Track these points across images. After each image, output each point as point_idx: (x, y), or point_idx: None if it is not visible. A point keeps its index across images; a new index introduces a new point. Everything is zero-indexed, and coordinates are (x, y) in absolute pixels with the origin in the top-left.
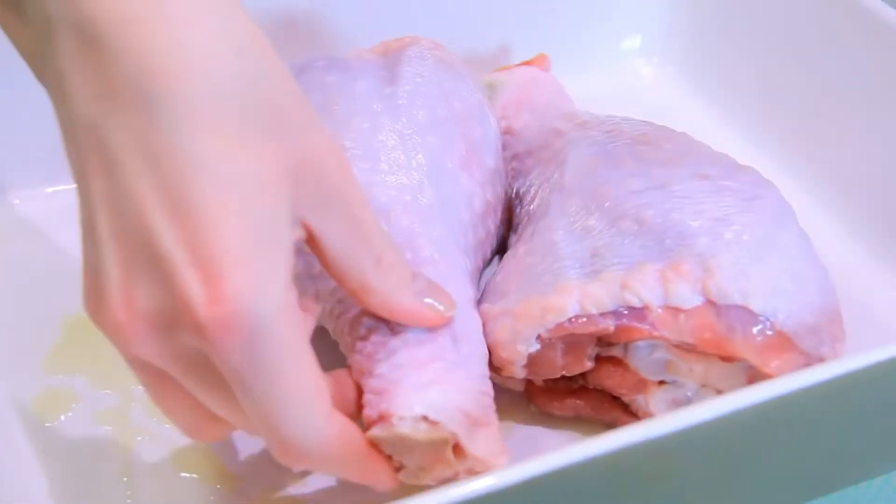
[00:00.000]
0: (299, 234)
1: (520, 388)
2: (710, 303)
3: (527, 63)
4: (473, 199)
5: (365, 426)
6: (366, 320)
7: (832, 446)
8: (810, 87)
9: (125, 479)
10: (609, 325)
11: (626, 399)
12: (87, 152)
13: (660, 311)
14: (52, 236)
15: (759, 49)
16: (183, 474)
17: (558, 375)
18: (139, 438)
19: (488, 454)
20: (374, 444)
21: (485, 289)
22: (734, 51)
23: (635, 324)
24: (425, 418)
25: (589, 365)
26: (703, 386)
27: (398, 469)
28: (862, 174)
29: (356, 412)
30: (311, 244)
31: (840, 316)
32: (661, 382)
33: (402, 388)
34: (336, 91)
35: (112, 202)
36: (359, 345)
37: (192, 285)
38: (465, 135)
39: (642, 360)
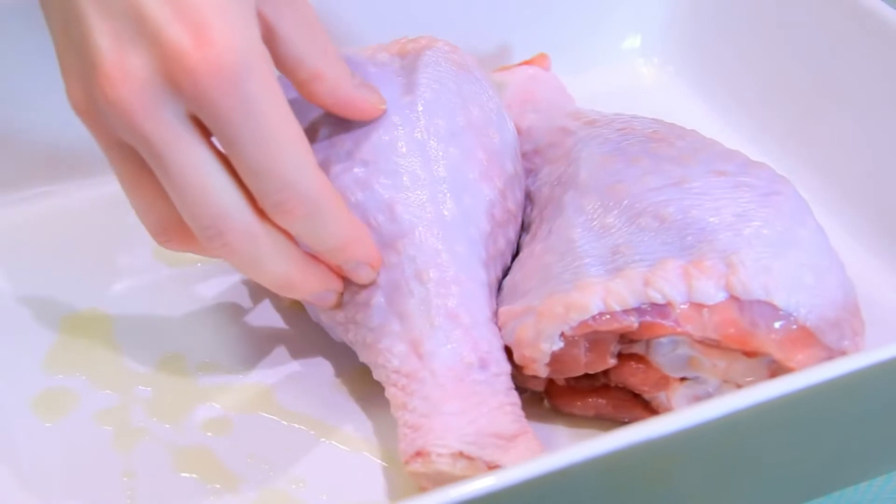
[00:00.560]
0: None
1: (541, 387)
2: (734, 298)
3: (527, 63)
4: (494, 208)
5: (403, 460)
6: (396, 350)
7: (832, 446)
8: (810, 86)
9: (125, 479)
10: (633, 321)
11: (647, 396)
12: None
13: (684, 307)
14: (52, 236)
15: (759, 49)
16: (183, 474)
17: (581, 373)
18: (139, 438)
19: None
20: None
21: (502, 289)
22: (734, 51)
23: (659, 320)
24: (462, 454)
25: (612, 362)
26: (726, 381)
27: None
28: (862, 174)
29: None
30: (267, 38)
31: (859, 309)
32: (683, 379)
33: (436, 423)
34: None
35: None
36: (393, 377)
37: (181, 37)
38: (485, 142)
39: (665, 357)
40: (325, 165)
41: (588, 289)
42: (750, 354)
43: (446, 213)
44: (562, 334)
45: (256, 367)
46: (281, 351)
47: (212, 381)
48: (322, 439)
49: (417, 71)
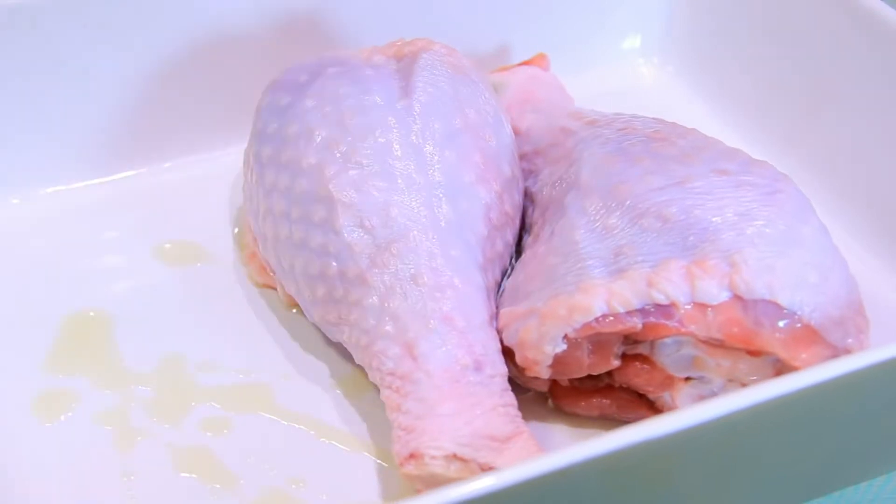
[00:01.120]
0: None
1: (544, 388)
2: (737, 298)
3: (527, 63)
4: (491, 211)
5: (397, 463)
6: (391, 352)
7: (832, 446)
8: (810, 86)
9: (125, 479)
10: (636, 323)
11: (652, 396)
12: None
13: (687, 307)
14: (52, 236)
15: (758, 49)
16: (183, 474)
17: (584, 375)
18: (139, 439)
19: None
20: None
21: (504, 290)
22: (734, 51)
23: (663, 321)
24: (455, 456)
25: (615, 363)
26: (730, 381)
27: None
28: (862, 174)
29: None
30: None
31: (863, 307)
32: (688, 379)
33: (430, 425)
34: (350, 105)
35: None
36: (388, 379)
37: None
38: (481, 145)
39: (669, 357)
40: (320, 168)
41: (591, 290)
42: (754, 353)
43: (442, 217)
44: (565, 336)
45: (256, 367)
46: (280, 351)
47: (212, 381)
48: (322, 439)
49: (414, 74)
